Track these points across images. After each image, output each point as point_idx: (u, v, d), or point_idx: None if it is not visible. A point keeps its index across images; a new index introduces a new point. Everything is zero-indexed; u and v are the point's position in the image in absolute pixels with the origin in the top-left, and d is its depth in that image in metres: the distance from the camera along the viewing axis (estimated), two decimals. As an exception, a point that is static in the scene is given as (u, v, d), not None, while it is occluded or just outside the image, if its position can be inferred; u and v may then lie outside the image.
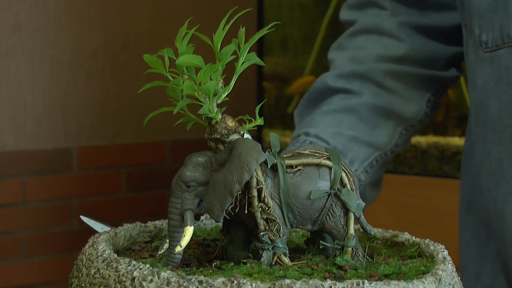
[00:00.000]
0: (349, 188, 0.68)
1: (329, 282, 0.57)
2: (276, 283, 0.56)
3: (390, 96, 1.05)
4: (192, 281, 0.57)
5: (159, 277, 0.59)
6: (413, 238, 0.73)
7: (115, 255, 0.64)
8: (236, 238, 0.70)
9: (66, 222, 2.54)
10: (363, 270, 0.65)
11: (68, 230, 2.54)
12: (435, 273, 0.61)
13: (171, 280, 0.58)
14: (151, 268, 0.60)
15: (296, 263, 0.67)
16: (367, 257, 0.69)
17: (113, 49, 2.57)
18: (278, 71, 2.80)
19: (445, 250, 0.67)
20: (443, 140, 2.33)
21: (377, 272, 0.64)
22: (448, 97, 2.36)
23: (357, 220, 0.70)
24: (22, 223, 2.46)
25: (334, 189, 0.68)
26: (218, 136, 0.68)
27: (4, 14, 2.39)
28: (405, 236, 0.74)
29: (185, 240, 0.66)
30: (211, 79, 0.66)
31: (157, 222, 0.80)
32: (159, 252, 0.68)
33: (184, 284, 0.57)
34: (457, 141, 2.31)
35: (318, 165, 0.68)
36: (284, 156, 0.69)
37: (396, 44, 1.05)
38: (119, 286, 0.61)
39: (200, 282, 0.57)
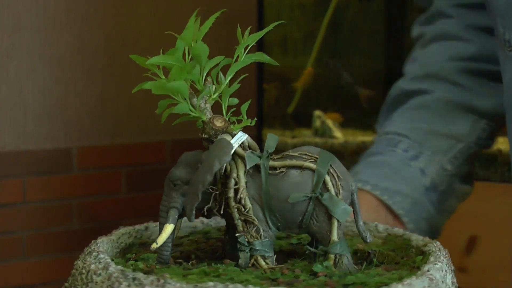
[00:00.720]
0: (333, 193, 0.66)
1: (250, 287, 0.57)
2: (198, 285, 0.57)
3: (464, 91, 1.07)
4: (128, 277, 0.59)
5: (106, 272, 0.61)
6: (435, 248, 0.70)
7: (101, 248, 0.66)
8: (232, 238, 0.70)
9: (66, 222, 2.54)
10: (337, 278, 0.63)
11: (68, 230, 2.54)
12: (391, 286, 0.59)
13: (113, 275, 0.60)
14: (108, 262, 0.62)
15: (272, 267, 0.66)
16: (354, 265, 0.67)
17: (113, 49, 2.57)
18: (278, 71, 2.80)
19: (438, 263, 0.64)
20: (443, 140, 2.33)
21: (336, 281, 0.62)
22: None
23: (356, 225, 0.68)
24: (22, 223, 2.46)
25: (315, 193, 0.66)
26: (207, 136, 0.68)
27: (4, 14, 2.39)
28: (433, 245, 0.71)
29: (161, 238, 0.66)
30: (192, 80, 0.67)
31: (204, 219, 0.80)
32: (151, 247, 0.68)
33: (120, 280, 0.59)
34: (457, 141, 2.31)
35: (301, 168, 0.67)
36: (275, 158, 0.68)
37: (466, 45, 1.07)
38: (78, 278, 0.63)
39: (134, 279, 0.59)
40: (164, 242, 0.68)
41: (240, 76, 0.70)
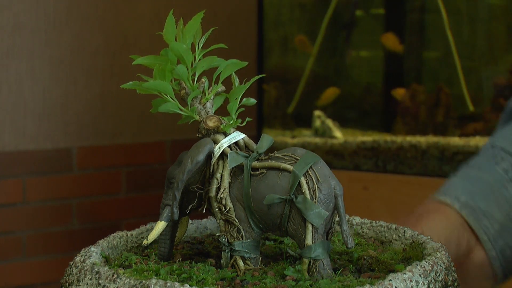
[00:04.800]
0: (308, 196, 0.64)
1: (186, 286, 0.57)
2: (143, 281, 0.58)
3: None
4: (93, 270, 0.62)
5: (82, 264, 0.64)
6: (431, 258, 0.68)
7: (94, 247, 0.68)
8: None
9: (66, 222, 2.54)
10: (302, 282, 0.62)
11: (68, 230, 2.54)
12: None
13: (84, 268, 0.64)
14: (90, 256, 0.65)
15: (249, 268, 0.66)
16: (330, 271, 0.65)
17: (113, 49, 2.57)
18: (278, 71, 2.80)
19: (408, 273, 0.61)
20: (443, 140, 2.33)
21: (287, 285, 0.61)
22: (448, 97, 2.36)
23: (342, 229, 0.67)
24: (22, 223, 2.46)
25: (290, 196, 0.65)
26: (200, 135, 0.69)
27: (4, 14, 2.39)
28: (436, 254, 0.69)
29: (152, 234, 0.67)
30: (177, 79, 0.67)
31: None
32: (142, 243, 0.69)
33: (87, 272, 0.63)
34: (457, 141, 2.31)
35: (279, 169, 0.66)
36: (263, 158, 0.68)
37: None
38: (68, 269, 0.66)
39: (96, 272, 0.62)
40: (161, 239, 0.69)
41: (242, 78, 0.71)
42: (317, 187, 0.65)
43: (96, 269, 0.62)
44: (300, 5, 2.82)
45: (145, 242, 0.67)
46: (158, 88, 0.66)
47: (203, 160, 0.66)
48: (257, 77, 0.72)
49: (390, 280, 0.60)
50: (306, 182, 0.65)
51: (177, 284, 0.57)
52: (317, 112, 2.60)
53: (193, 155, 0.66)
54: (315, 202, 0.64)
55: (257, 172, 0.66)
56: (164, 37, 0.67)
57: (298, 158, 0.66)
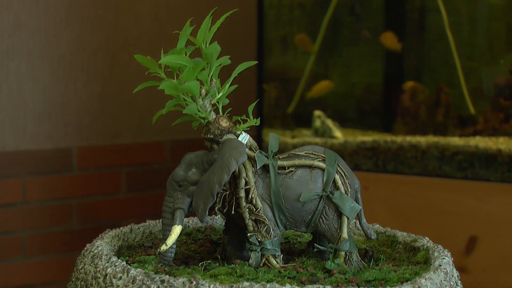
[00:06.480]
0: (343, 191, 0.67)
1: (288, 286, 0.57)
2: (234, 285, 0.57)
3: None
4: (155, 280, 0.59)
5: (127, 275, 0.60)
6: (428, 243, 0.72)
7: (105, 251, 0.65)
8: (234, 238, 0.70)
9: (66, 222, 2.53)
10: (351, 275, 0.64)
11: (68, 230, 2.54)
12: (416, 281, 0.60)
13: (137, 278, 0.60)
14: (125, 265, 0.61)
15: (284, 265, 0.66)
16: (362, 262, 0.68)
17: (113, 49, 2.57)
18: (278, 71, 2.80)
19: (445, 257, 0.66)
20: (443, 140, 2.33)
21: (358, 278, 0.63)
22: (448, 97, 2.36)
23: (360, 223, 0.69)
24: (22, 223, 2.46)
25: (326, 192, 0.67)
26: (212, 136, 0.69)
27: (4, 14, 2.39)
28: (423, 241, 0.73)
29: (171, 239, 0.66)
30: (198, 79, 0.67)
31: (185, 219, 0.81)
32: (158, 250, 0.68)
33: (147, 282, 0.59)
34: (457, 141, 2.31)
35: (310, 167, 0.67)
36: (281, 157, 0.69)
37: None
38: (94, 282, 0.63)
39: (162, 281, 0.59)
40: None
41: (241, 78, 0.71)
42: (348, 182, 0.66)
43: (159, 278, 0.59)
44: (300, 5, 2.82)
45: (163, 247, 0.66)
46: (191, 89, 0.66)
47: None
48: (232, 77, 0.71)
49: (440, 264, 0.65)
50: (340, 179, 0.67)
51: (277, 285, 0.57)
52: (317, 112, 2.60)
53: (236, 156, 0.66)
54: (349, 196, 0.68)
55: (286, 171, 0.67)
56: (197, 39, 0.67)
57: (323, 155, 0.68)
